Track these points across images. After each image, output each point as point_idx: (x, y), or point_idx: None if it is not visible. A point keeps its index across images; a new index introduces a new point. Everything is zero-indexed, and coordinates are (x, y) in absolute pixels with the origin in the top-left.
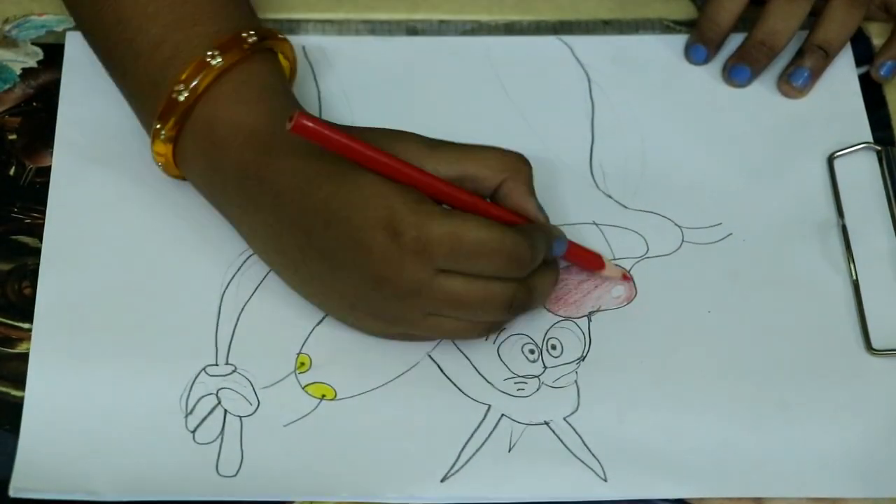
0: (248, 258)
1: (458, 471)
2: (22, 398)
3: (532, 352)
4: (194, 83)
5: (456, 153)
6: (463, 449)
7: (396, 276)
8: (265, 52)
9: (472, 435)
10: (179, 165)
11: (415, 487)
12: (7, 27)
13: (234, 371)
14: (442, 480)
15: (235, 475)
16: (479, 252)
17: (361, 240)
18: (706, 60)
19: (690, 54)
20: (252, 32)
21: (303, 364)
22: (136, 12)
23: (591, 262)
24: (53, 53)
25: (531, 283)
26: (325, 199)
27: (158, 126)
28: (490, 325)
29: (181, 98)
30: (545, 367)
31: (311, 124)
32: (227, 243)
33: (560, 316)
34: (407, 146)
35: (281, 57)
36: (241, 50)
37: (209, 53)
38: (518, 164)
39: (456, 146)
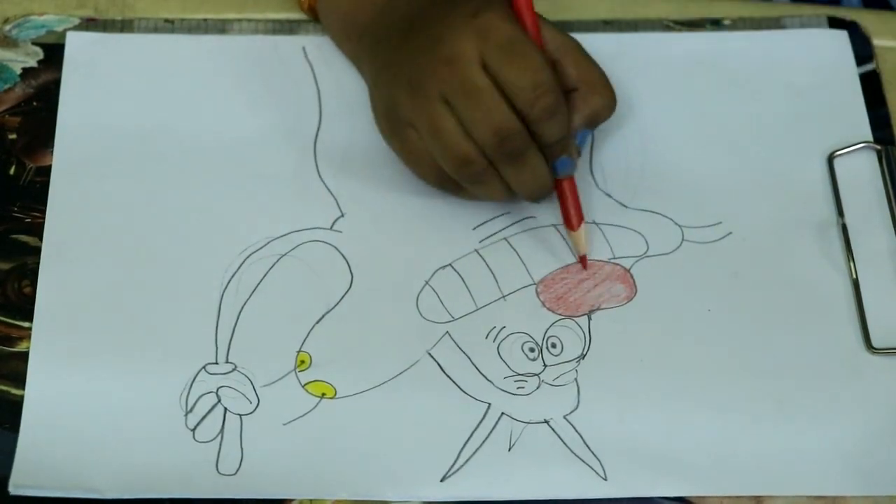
0: (247, 257)
1: (458, 470)
2: (22, 397)
3: (532, 350)
4: None
5: (566, 41)
6: (463, 448)
7: (446, 36)
8: None
9: (472, 433)
10: (324, 23)
11: (415, 486)
12: (7, 27)
13: (234, 369)
14: (442, 480)
15: (235, 473)
16: (522, 57)
17: (450, 24)
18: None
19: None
20: None
21: (303, 362)
22: None
23: (569, 216)
24: (53, 53)
25: (530, 152)
26: (436, 12)
27: None
28: (480, 163)
29: None
30: (545, 366)
31: None
32: (227, 242)
33: (560, 314)
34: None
35: None
36: None
37: None
38: (602, 95)
39: (572, 40)
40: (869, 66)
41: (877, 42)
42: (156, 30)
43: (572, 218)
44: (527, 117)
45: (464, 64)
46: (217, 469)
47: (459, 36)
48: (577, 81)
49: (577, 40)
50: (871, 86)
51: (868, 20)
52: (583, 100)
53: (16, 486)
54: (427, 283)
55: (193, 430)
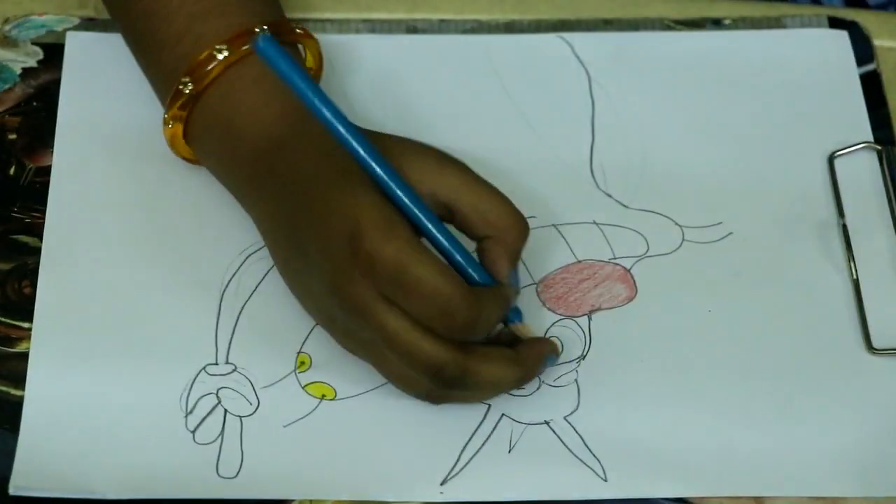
0: (248, 257)
1: (458, 472)
2: (21, 397)
3: None
4: (201, 74)
5: (461, 182)
6: (463, 450)
7: (345, 288)
8: (287, 46)
9: (472, 435)
10: (194, 151)
11: (415, 488)
12: (7, 27)
13: (234, 370)
14: (442, 482)
15: (235, 476)
16: (415, 289)
17: (327, 245)
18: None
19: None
20: (265, 27)
21: (303, 363)
22: (162, 3)
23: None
24: (53, 53)
25: (469, 364)
26: (314, 200)
27: (167, 116)
28: (428, 388)
29: (186, 90)
30: None
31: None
32: (227, 242)
33: (560, 315)
34: (415, 158)
35: (309, 56)
36: (248, 48)
37: (217, 47)
38: (511, 227)
39: (464, 175)
40: (869, 67)
41: (877, 42)
42: None
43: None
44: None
45: (369, 309)
46: (217, 472)
47: (348, 277)
48: (482, 227)
49: (459, 162)
50: (872, 86)
51: (868, 20)
52: (497, 244)
53: (16, 487)
54: None
55: (194, 431)
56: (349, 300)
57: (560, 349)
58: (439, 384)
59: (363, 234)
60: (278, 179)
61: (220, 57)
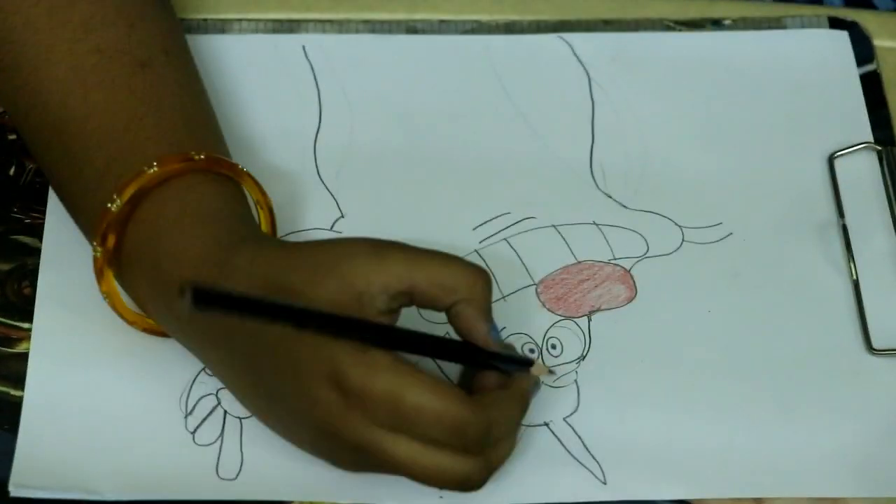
0: None
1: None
2: (21, 398)
3: (532, 351)
4: (129, 196)
5: (407, 265)
6: None
7: (341, 431)
8: (221, 178)
9: None
10: (137, 303)
11: (414, 492)
12: None
13: None
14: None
15: (235, 477)
16: (418, 418)
17: (307, 391)
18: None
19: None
20: (202, 156)
21: None
22: (80, 144)
23: None
24: None
25: (489, 457)
26: (274, 345)
27: (97, 249)
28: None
29: (113, 207)
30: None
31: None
32: None
33: (560, 315)
34: (352, 263)
35: (254, 203)
36: (184, 166)
37: (146, 169)
38: (474, 285)
39: (407, 254)
40: (869, 67)
41: (877, 42)
42: None
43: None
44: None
45: (373, 444)
46: (217, 473)
47: (341, 419)
48: (447, 297)
49: (395, 243)
50: (872, 86)
51: (868, 20)
52: (467, 307)
53: (16, 488)
54: None
55: (193, 432)
56: (349, 440)
57: (544, 372)
58: (469, 489)
59: (345, 373)
60: (222, 324)
61: (151, 171)
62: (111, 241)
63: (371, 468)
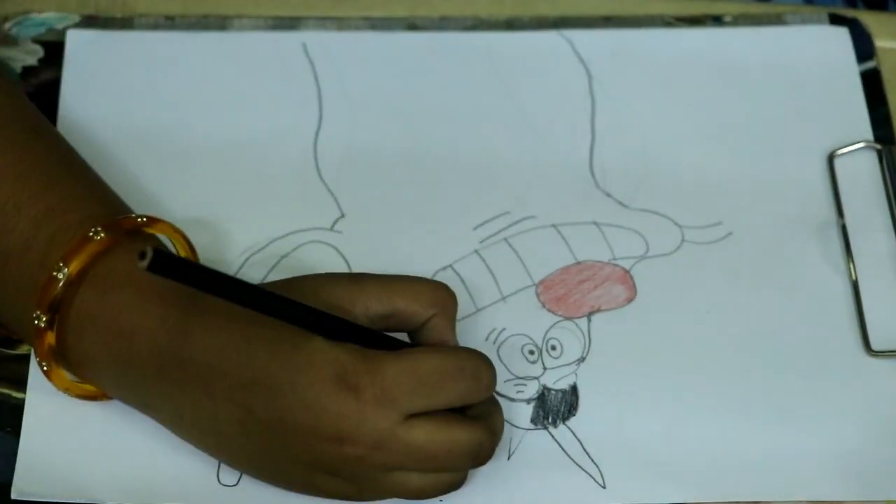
0: (248, 258)
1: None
2: (23, 400)
3: (532, 352)
4: (75, 262)
5: (384, 288)
6: None
7: (357, 431)
8: (150, 236)
9: None
10: (79, 370)
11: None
12: (7, 25)
13: None
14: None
15: (236, 484)
16: (441, 378)
17: (313, 399)
18: None
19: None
20: (144, 217)
21: None
22: None
23: None
24: (54, 51)
25: (491, 425)
26: (263, 367)
27: (41, 316)
28: (452, 482)
29: (60, 276)
30: (545, 369)
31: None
32: (227, 243)
33: (560, 316)
34: (334, 289)
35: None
36: (128, 228)
37: (92, 230)
38: (446, 299)
39: (382, 280)
40: (870, 64)
41: (877, 43)
42: (156, 27)
43: None
44: None
45: (391, 436)
46: (218, 479)
47: (357, 419)
48: (424, 311)
49: (366, 274)
50: (872, 83)
51: (868, 20)
52: (441, 319)
53: (18, 492)
54: None
55: None
56: (365, 440)
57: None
58: (475, 464)
59: (353, 371)
60: (196, 367)
61: (98, 238)
62: (47, 307)
63: (370, 481)
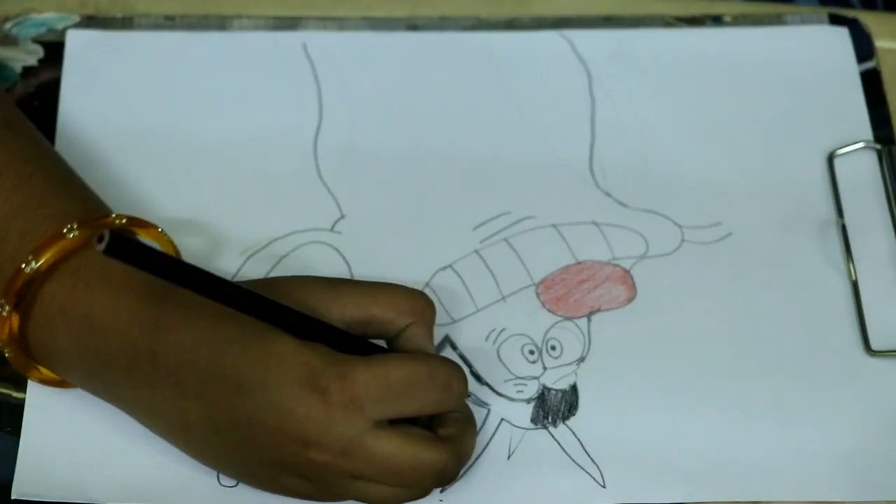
0: (248, 258)
1: (457, 480)
2: (23, 400)
3: (532, 352)
4: (45, 256)
5: (361, 294)
6: None
7: (324, 435)
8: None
9: None
10: (49, 363)
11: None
12: (7, 25)
13: None
14: (441, 490)
15: (237, 484)
16: (411, 386)
17: (281, 401)
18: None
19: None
20: (124, 217)
21: None
22: None
23: None
24: (54, 51)
25: (460, 448)
26: (233, 363)
27: (4, 305)
28: (414, 497)
29: (28, 269)
30: (545, 369)
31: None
32: (227, 243)
33: (560, 316)
34: (310, 292)
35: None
36: (103, 225)
37: (66, 227)
38: (424, 307)
39: (359, 286)
40: (870, 64)
41: (877, 43)
42: (156, 27)
43: None
44: None
45: (358, 444)
46: (219, 480)
47: (327, 424)
48: (403, 318)
49: (343, 279)
50: (872, 83)
51: (868, 21)
52: (419, 327)
53: (19, 492)
54: (427, 284)
55: None
56: (332, 445)
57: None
58: (437, 483)
59: (323, 374)
60: (166, 361)
61: (71, 235)
62: (14, 297)
63: (335, 487)
